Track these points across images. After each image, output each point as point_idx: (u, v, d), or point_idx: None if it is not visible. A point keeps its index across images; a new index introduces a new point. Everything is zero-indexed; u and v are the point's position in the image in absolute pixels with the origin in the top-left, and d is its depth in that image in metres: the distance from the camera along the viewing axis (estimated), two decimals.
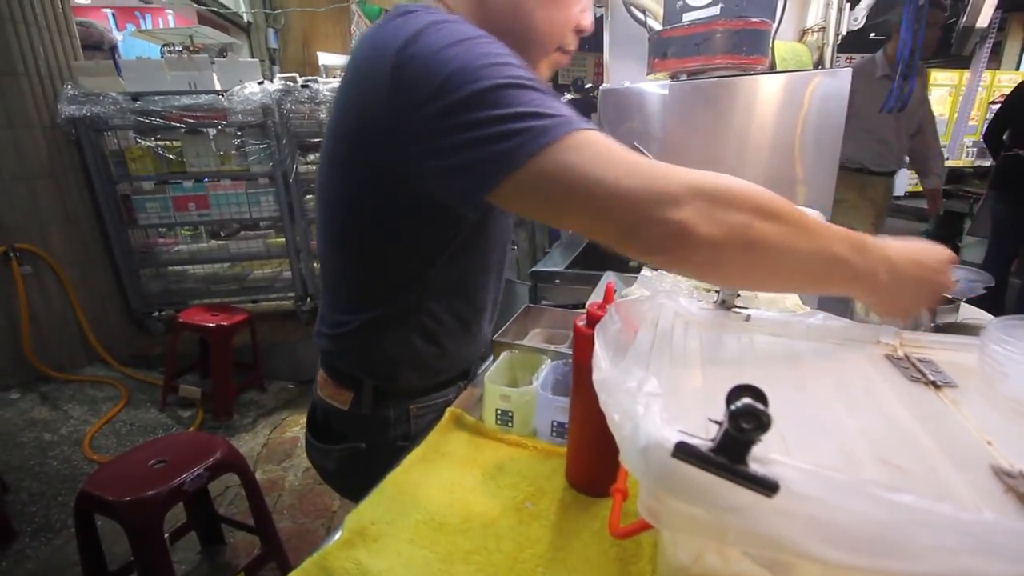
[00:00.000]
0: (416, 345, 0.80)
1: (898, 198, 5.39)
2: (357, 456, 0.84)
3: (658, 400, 0.36)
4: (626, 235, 0.52)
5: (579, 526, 0.60)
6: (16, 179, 2.88)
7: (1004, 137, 3.35)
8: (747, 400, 0.30)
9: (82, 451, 2.39)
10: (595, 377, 0.43)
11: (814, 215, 0.61)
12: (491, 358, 0.96)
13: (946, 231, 4.65)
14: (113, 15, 4.10)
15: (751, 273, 0.55)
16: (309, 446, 0.91)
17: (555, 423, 0.76)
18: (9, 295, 2.87)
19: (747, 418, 0.30)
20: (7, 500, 2.04)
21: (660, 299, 0.65)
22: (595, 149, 0.51)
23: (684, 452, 0.31)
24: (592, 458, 0.64)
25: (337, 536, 0.59)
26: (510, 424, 0.77)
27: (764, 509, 0.31)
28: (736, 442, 0.30)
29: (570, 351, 0.95)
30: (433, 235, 0.73)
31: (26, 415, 2.71)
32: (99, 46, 3.41)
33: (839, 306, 0.95)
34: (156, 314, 3.46)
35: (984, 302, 1.15)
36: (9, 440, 2.48)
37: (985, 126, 3.70)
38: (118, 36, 3.67)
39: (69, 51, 3.13)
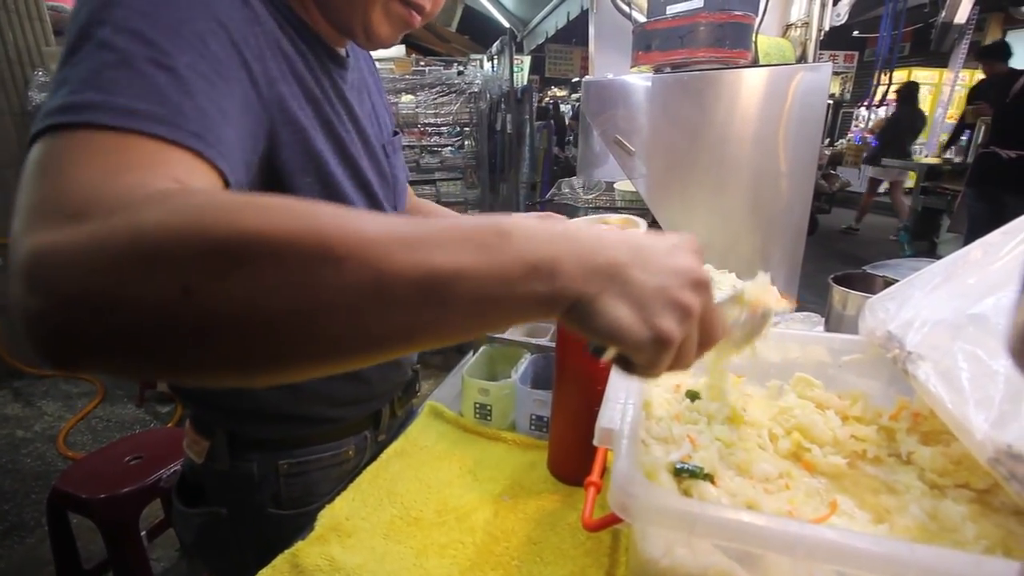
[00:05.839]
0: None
1: (880, 194, 5.48)
2: (219, 525, 0.67)
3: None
4: None
5: (555, 519, 0.59)
6: None
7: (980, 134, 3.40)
8: None
9: (56, 448, 2.33)
10: None
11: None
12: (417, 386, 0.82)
13: (924, 228, 4.74)
14: None
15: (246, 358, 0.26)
16: (174, 512, 0.72)
17: (534, 416, 0.75)
18: None
19: None
20: None
21: None
22: (41, 153, 0.32)
23: None
24: (574, 448, 0.64)
25: (309, 532, 0.58)
26: (488, 418, 0.77)
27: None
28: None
29: (551, 344, 0.95)
30: None
31: None
32: None
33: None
34: None
35: None
36: None
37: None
38: None
39: (40, 36, 3.03)
